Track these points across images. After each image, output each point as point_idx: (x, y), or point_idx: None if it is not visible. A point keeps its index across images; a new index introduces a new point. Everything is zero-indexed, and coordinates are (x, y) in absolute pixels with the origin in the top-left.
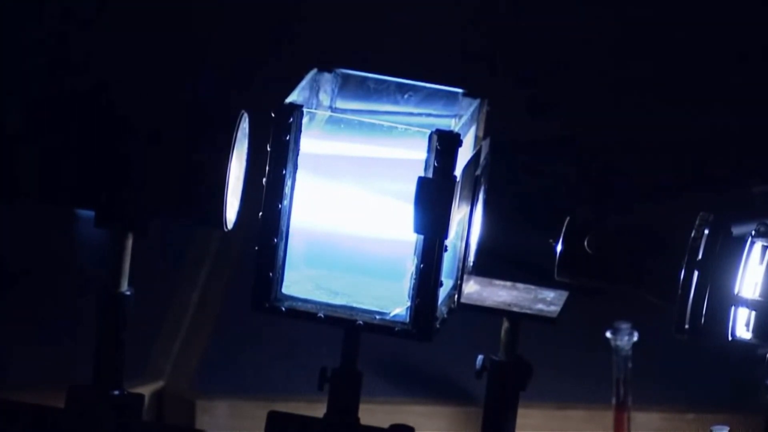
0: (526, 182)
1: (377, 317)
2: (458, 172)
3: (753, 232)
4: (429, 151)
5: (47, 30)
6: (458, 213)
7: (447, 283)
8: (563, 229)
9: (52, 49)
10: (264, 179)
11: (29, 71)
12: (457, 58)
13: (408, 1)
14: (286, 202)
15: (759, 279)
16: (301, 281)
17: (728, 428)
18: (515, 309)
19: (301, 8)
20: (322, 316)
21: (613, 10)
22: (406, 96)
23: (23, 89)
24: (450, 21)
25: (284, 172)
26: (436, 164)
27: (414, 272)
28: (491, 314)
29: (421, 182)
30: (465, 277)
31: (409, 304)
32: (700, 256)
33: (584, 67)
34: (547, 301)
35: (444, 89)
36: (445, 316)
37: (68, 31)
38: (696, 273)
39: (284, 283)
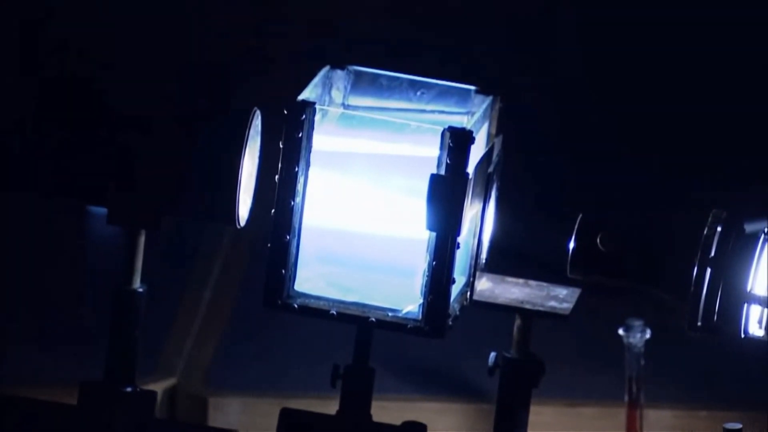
0: (539, 179)
1: (390, 314)
2: (471, 169)
3: (766, 230)
4: (441, 148)
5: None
6: (471, 210)
7: (459, 280)
8: (576, 227)
9: (60, 47)
10: (276, 176)
11: (33, 65)
12: (472, 54)
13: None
14: (298, 199)
15: None
16: (313, 278)
17: (741, 425)
18: (528, 306)
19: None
20: (335, 313)
21: (620, 9)
22: (418, 93)
23: (29, 83)
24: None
25: (297, 169)
26: (448, 161)
27: (426, 269)
28: (504, 311)
29: (434, 179)
30: (477, 274)
31: (421, 301)
32: (712, 254)
33: (593, 67)
34: (560, 298)
35: (456, 86)
36: (458, 313)
37: (74, 28)
38: (709, 270)
39: (296, 281)
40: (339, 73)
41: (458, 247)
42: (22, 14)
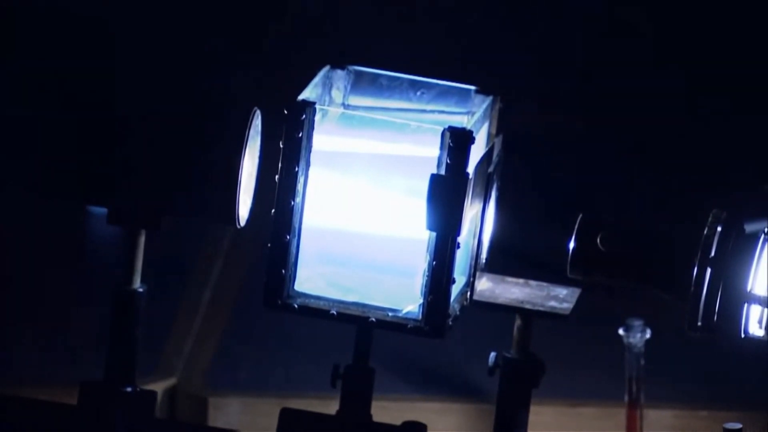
0: (539, 179)
1: (390, 314)
2: (471, 169)
3: (766, 230)
4: (442, 148)
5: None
6: (471, 210)
7: (460, 280)
8: (576, 227)
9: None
10: (276, 176)
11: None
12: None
13: None
14: (298, 199)
15: None
16: (313, 278)
17: (741, 425)
18: (528, 306)
19: (314, 3)
20: (335, 313)
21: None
22: (418, 93)
23: (33, 86)
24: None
25: (297, 169)
26: (448, 161)
27: (426, 269)
28: (504, 311)
29: (434, 179)
30: (477, 274)
31: (421, 301)
32: (712, 254)
33: (596, 67)
34: (560, 298)
35: (456, 86)
36: (458, 313)
37: (75, 27)
38: (709, 270)
39: (296, 281)
40: (339, 72)
41: (458, 247)
42: (22, 12)
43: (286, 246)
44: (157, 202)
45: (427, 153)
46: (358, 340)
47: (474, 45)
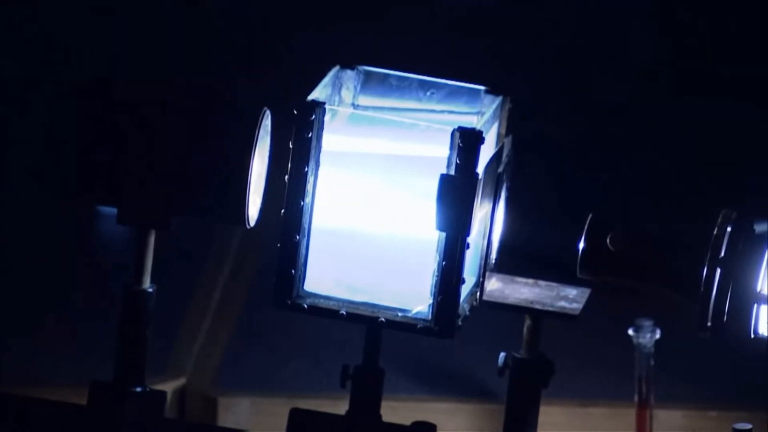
0: (548, 180)
1: (399, 314)
2: (480, 169)
3: None
4: (451, 148)
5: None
6: (480, 210)
7: (469, 280)
8: (585, 227)
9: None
10: (286, 176)
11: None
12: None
13: None
14: (308, 199)
15: None
16: (322, 278)
17: (750, 426)
18: (537, 306)
19: (320, 3)
20: (344, 313)
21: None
22: (428, 93)
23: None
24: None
25: (306, 169)
26: (458, 161)
27: (436, 269)
28: (513, 311)
29: (444, 179)
30: (487, 274)
31: (431, 301)
32: (722, 254)
33: (605, 67)
34: (569, 298)
35: (466, 86)
36: (467, 313)
37: (83, 28)
38: (718, 270)
39: (306, 281)
40: (349, 73)
41: (468, 247)
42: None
43: (295, 246)
44: (166, 202)
45: (436, 153)
46: (368, 340)
47: (484, 44)
